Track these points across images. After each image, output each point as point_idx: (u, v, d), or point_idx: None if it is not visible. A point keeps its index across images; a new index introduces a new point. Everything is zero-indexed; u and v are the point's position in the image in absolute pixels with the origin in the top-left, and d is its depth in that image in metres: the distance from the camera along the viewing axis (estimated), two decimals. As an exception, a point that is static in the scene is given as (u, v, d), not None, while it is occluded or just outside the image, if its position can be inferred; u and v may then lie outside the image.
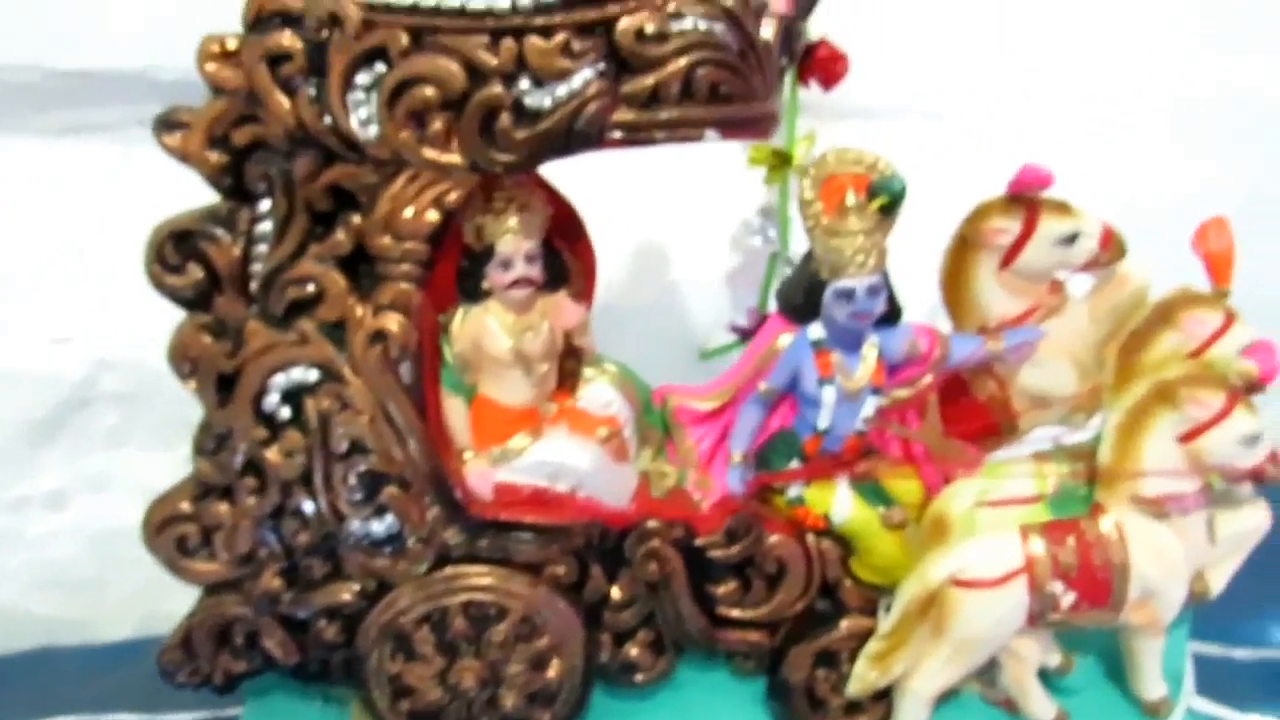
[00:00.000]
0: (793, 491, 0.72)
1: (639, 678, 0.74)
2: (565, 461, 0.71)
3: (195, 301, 0.67)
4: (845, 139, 1.11)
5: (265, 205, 0.65)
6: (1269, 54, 1.14)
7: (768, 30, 0.63)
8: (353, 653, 0.71)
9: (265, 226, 0.66)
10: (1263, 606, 0.96)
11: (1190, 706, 0.78)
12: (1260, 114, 1.13)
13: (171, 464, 1.00)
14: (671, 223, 1.00)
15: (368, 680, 0.71)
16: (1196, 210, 1.04)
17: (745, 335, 0.81)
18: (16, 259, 0.94)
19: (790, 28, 0.65)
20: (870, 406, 0.70)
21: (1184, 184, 1.13)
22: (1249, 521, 0.75)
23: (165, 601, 0.93)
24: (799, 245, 0.78)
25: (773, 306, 0.77)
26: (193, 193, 0.67)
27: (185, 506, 0.71)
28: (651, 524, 0.71)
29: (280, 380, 0.67)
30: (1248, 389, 0.70)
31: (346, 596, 0.70)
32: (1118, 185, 1.13)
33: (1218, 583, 0.76)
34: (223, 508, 0.70)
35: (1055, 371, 0.77)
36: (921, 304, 0.81)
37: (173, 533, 0.71)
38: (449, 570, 0.70)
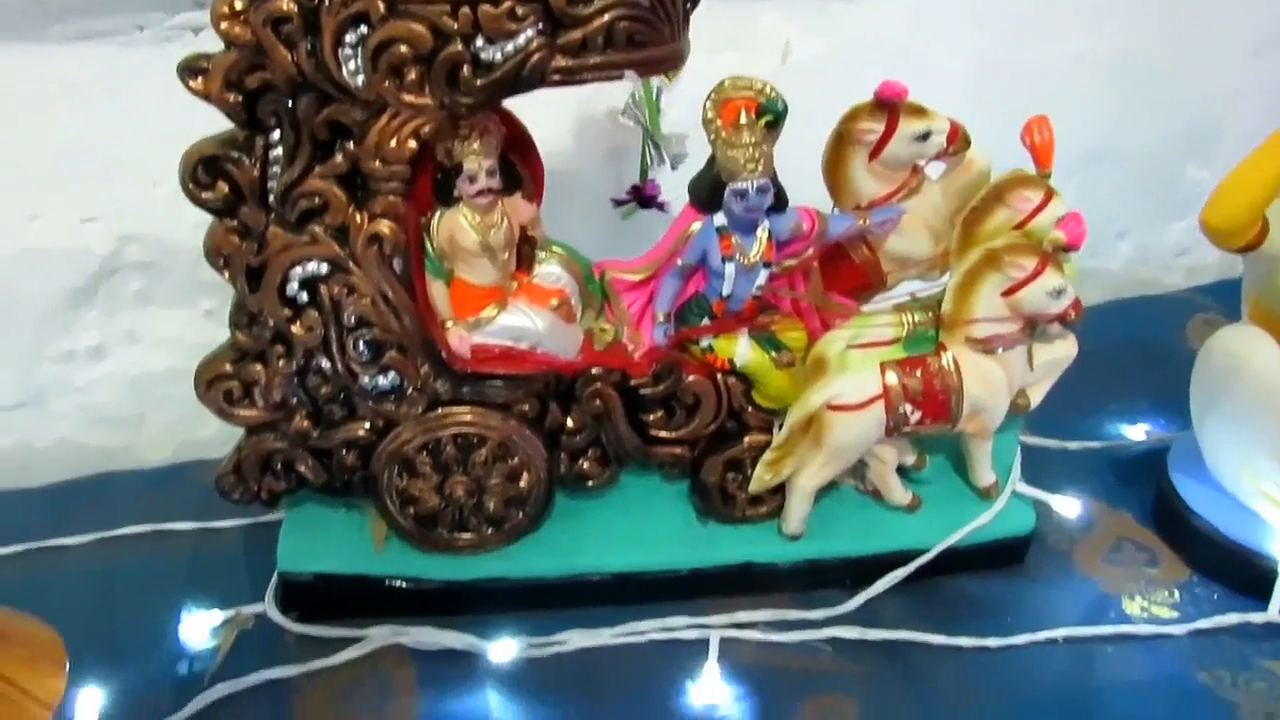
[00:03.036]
0: (705, 342, 0.90)
1: (591, 484, 0.93)
2: (525, 326, 0.88)
3: (223, 211, 0.82)
4: (763, 16, 1.25)
5: (276, 135, 0.79)
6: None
7: (674, -17, 0.77)
8: (368, 473, 0.90)
9: (277, 152, 0.79)
10: (1094, 406, 1.19)
11: (1015, 490, 0.99)
12: None
13: (190, 318, 1.18)
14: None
15: (381, 493, 0.90)
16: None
17: (621, 203, 0.94)
18: (43, 152, 1.06)
19: (693, -22, 0.79)
20: (763, 277, 0.88)
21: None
22: (1060, 352, 0.95)
23: (196, 431, 1.13)
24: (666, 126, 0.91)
25: (653, 175, 0.93)
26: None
27: (228, 368, 0.87)
28: (595, 370, 0.89)
29: (298, 272, 0.83)
30: (1060, 251, 0.89)
31: (361, 432, 0.88)
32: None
33: (1036, 398, 0.96)
34: (258, 368, 0.87)
35: (915, 239, 0.94)
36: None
37: (219, 388, 0.87)
38: (440, 410, 0.88)
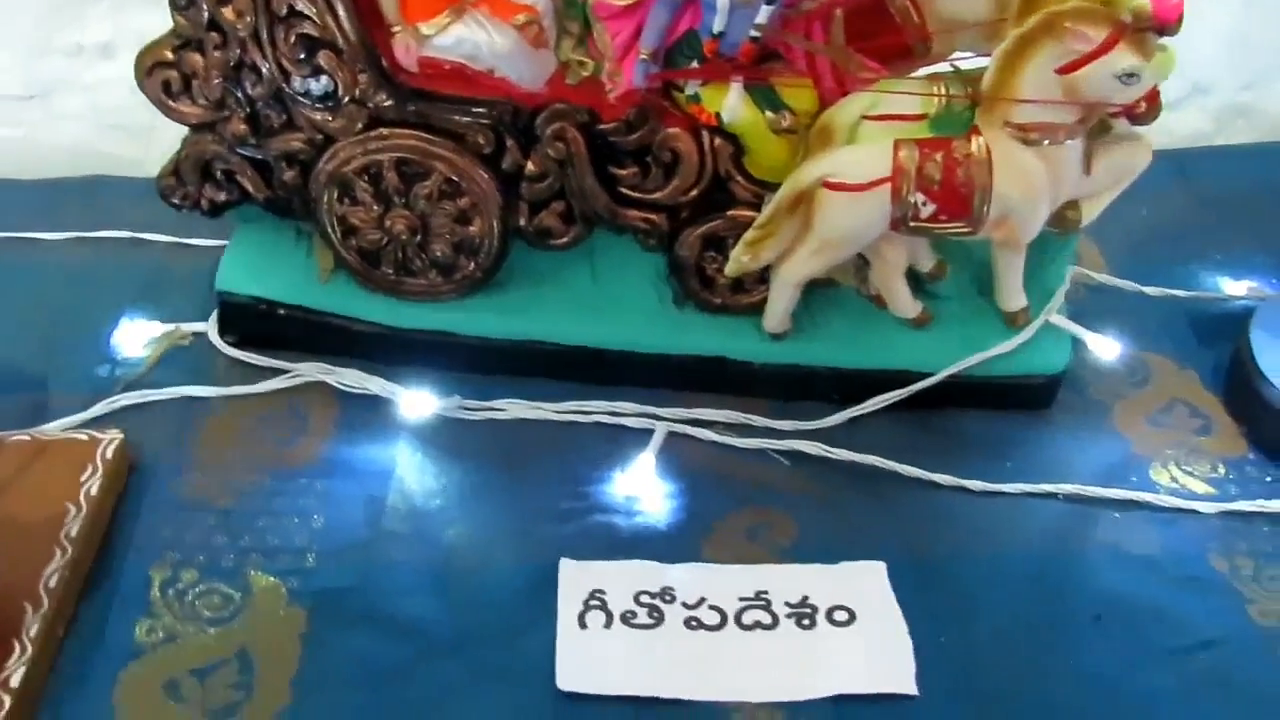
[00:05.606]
0: (691, 89, 0.77)
1: (554, 242, 0.83)
2: (481, 41, 0.76)
3: None
4: None
5: None
6: None
7: None
8: (308, 194, 0.82)
9: None
10: (1193, 253, 1.00)
11: (1050, 320, 0.84)
12: None
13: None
14: None
15: (321, 218, 0.83)
16: None
17: None
18: None
19: None
20: (764, 14, 0.73)
21: None
22: (1127, 157, 0.78)
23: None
24: None
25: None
26: None
27: (168, 54, 0.80)
28: (559, 106, 0.78)
29: (225, -57, 0.74)
30: (1140, 27, 0.71)
31: (297, 144, 0.80)
32: None
33: (1091, 213, 0.80)
34: (196, 57, 0.79)
35: (972, -4, 0.78)
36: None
37: (159, 76, 0.80)
38: (382, 130, 0.79)
